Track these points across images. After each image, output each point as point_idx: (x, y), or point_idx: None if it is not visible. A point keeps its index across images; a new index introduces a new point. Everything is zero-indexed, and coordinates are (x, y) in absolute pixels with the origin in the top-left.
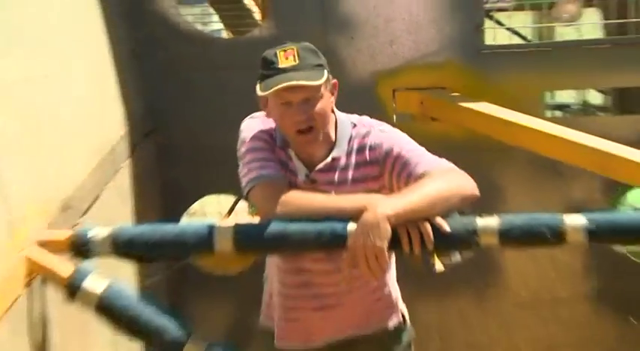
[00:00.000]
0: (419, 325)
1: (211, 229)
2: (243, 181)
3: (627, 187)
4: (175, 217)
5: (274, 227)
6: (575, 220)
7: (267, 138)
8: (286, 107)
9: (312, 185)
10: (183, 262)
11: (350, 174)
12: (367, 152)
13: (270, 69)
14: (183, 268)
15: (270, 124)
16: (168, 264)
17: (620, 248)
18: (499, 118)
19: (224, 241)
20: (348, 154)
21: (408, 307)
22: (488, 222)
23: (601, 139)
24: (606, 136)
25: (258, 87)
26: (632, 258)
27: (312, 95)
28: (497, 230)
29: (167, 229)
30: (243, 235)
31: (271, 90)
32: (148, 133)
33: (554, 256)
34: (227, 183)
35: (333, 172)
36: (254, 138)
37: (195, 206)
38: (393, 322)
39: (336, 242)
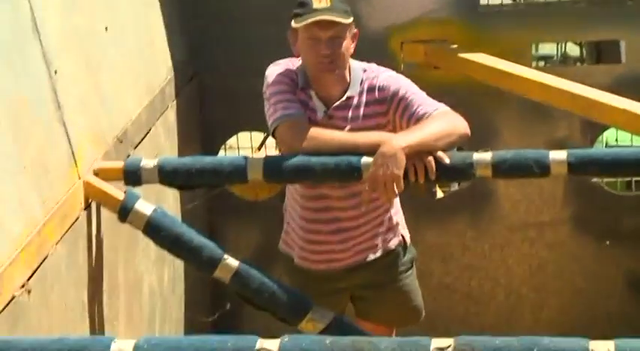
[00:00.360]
0: (422, 247)
1: (244, 161)
2: (270, 120)
3: (604, 127)
4: (213, 151)
5: (298, 160)
6: (558, 155)
7: (288, 81)
8: (315, 42)
9: (329, 121)
10: (219, 190)
11: (361, 111)
12: (377, 92)
13: (305, 9)
14: (219, 194)
15: (291, 69)
16: (206, 191)
17: (597, 180)
18: (493, 67)
19: (255, 171)
20: (360, 94)
21: (412, 231)
22: (483, 156)
23: (580, 85)
24: (582, 82)
25: (293, 22)
26: (606, 188)
27: (338, 34)
28: (490, 163)
29: (206, 160)
30: (272, 167)
31: (306, 22)
32: (191, 78)
33: (540, 185)
34: (258, 121)
35: (347, 110)
36: (278, 82)
37: (231, 141)
38: (394, 243)
39: (351, 173)
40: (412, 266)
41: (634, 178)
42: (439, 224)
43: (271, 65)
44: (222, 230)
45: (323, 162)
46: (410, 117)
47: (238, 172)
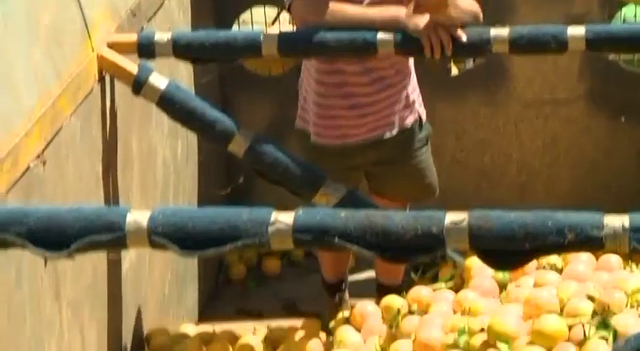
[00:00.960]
0: (437, 124)
1: (259, 35)
2: None
3: (623, 3)
4: (227, 26)
5: (312, 35)
6: (576, 31)
7: None
8: None
9: None
10: (233, 64)
11: None
12: None
13: None
14: (233, 69)
15: None
16: (220, 65)
17: (614, 56)
18: None
19: (269, 46)
20: None
21: (426, 107)
22: (500, 32)
23: None
24: None
25: None
26: (623, 65)
27: None
28: (507, 39)
29: (220, 34)
30: (286, 41)
31: None
32: None
33: (555, 62)
34: None
35: None
36: None
37: (244, 16)
38: (410, 121)
39: (366, 48)
40: (427, 143)
41: None
42: (453, 101)
43: None
44: (236, 105)
45: (338, 37)
46: None
47: (252, 46)
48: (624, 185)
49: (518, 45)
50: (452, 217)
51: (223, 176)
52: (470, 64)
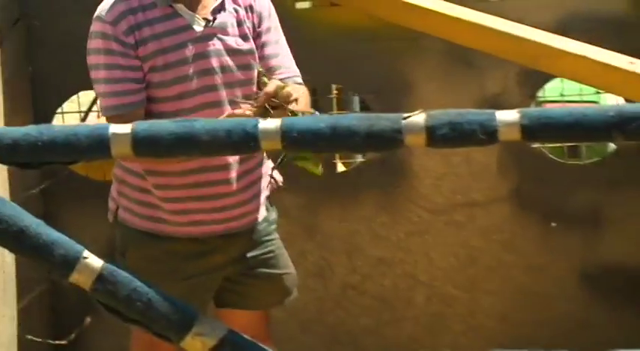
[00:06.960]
0: (321, 239)
1: (106, 130)
2: (100, 101)
3: (545, 79)
4: (47, 116)
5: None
6: (508, 117)
7: (124, 38)
8: None
9: (211, 30)
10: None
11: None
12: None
13: None
14: (55, 176)
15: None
16: (44, 175)
17: (537, 145)
18: (406, 1)
19: (121, 145)
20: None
21: (307, 218)
22: (415, 119)
23: (517, 24)
24: (522, 21)
25: None
26: (551, 155)
27: None
28: (424, 127)
29: (57, 130)
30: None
31: None
32: (16, 22)
33: (468, 155)
34: None
35: (226, 15)
36: (109, 51)
37: (69, 104)
38: (261, 214)
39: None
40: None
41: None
42: (342, 209)
43: (101, 7)
44: (62, 220)
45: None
46: (268, 69)
47: (99, 145)
48: (561, 315)
49: (437, 135)
50: None
51: (51, 321)
52: (360, 157)
